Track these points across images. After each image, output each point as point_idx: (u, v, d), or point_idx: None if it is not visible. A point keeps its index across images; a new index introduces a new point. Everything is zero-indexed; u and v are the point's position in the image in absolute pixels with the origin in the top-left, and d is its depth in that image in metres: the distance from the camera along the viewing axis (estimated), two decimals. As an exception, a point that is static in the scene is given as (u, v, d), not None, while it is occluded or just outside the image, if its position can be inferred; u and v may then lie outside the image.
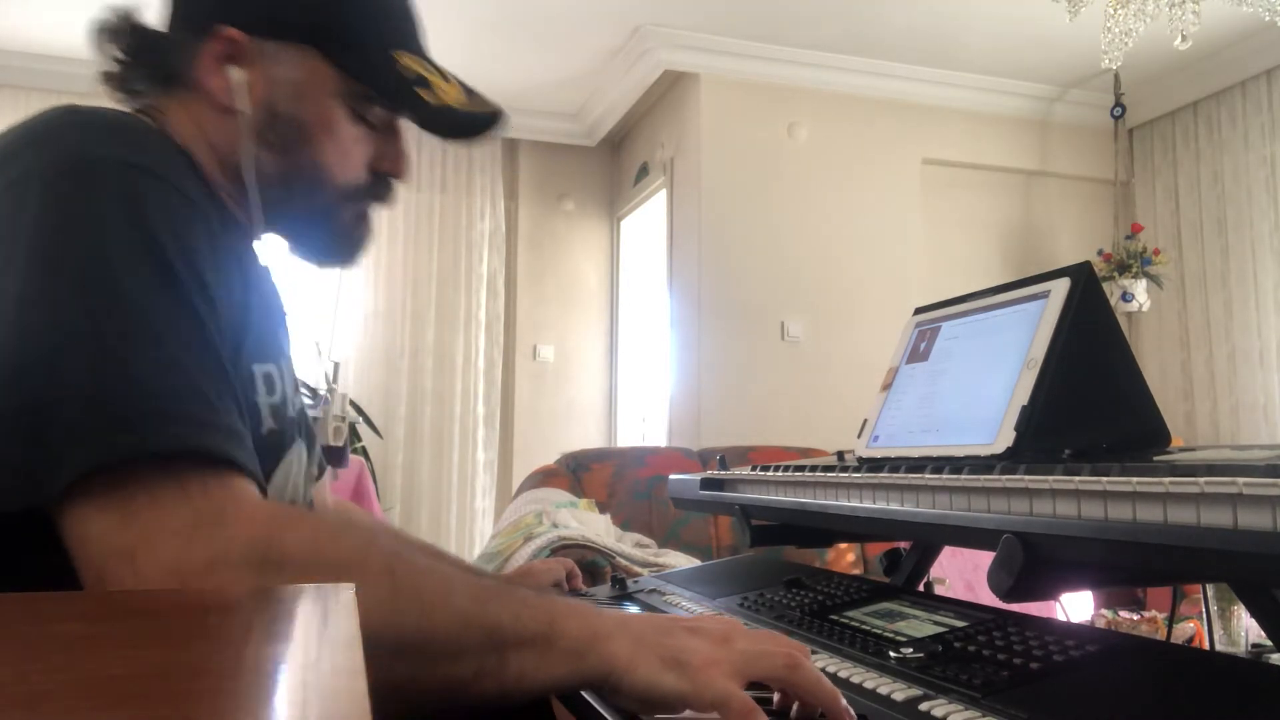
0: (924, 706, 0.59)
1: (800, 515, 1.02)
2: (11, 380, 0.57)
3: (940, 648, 0.70)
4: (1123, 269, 4.26)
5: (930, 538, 1.03)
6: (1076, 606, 2.40)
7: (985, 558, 0.67)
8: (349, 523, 0.81)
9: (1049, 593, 0.66)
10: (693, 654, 0.59)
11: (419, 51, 0.85)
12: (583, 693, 0.74)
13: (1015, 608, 0.73)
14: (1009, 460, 0.77)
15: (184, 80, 0.79)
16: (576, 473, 3.00)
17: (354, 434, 4.20)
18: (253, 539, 0.57)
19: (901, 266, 4.21)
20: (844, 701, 0.59)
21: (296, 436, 0.80)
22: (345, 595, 0.50)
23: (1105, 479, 0.60)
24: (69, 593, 0.55)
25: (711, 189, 4.01)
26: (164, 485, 0.57)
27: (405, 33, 0.85)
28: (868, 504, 0.85)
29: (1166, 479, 0.56)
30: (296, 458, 0.80)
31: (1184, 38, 2.82)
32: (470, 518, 4.69)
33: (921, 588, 1.12)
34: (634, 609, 1.08)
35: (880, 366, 1.10)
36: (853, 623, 0.83)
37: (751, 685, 0.60)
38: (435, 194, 4.79)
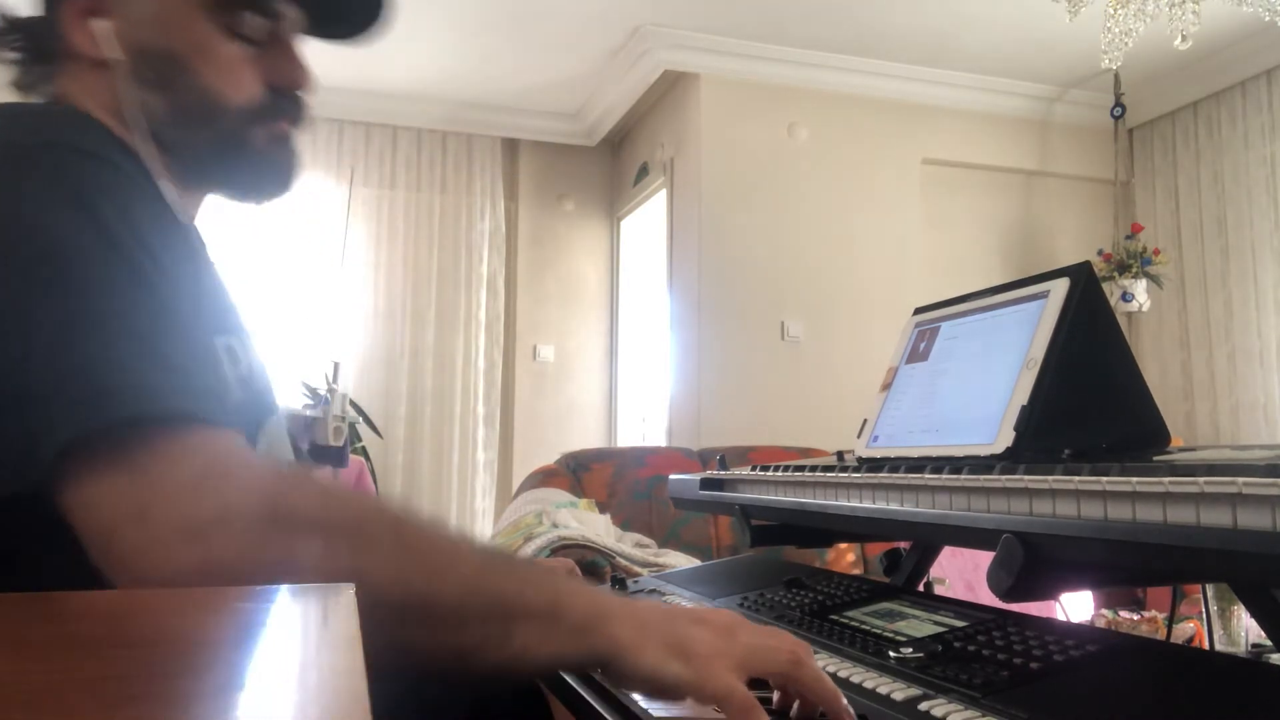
0: (924, 706, 0.59)
1: (800, 515, 1.02)
2: None
3: (940, 648, 0.70)
4: (1123, 269, 4.26)
5: (930, 538, 1.03)
6: (1076, 606, 2.39)
7: (985, 558, 0.67)
8: (354, 489, 0.80)
9: (1049, 593, 0.67)
10: (698, 644, 0.59)
11: None
12: (582, 692, 0.75)
13: (1015, 608, 0.74)
14: (1009, 460, 0.77)
15: (62, 52, 0.78)
16: (576, 473, 3.00)
17: (354, 434, 4.20)
18: (263, 494, 0.57)
19: (901, 266, 4.21)
20: (844, 700, 0.59)
21: (270, 414, 0.80)
22: (345, 595, 0.50)
23: (1105, 479, 0.60)
24: (69, 593, 0.55)
25: (711, 189, 4.01)
26: (168, 446, 0.57)
27: None
28: (868, 504, 0.85)
29: (1166, 479, 0.56)
30: (276, 429, 0.80)
31: (1184, 38, 2.82)
32: (470, 518, 4.69)
33: (921, 588, 1.12)
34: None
35: (880, 366, 1.10)
36: (853, 623, 0.83)
37: (753, 683, 0.60)
38: (435, 194, 4.79)
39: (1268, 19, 2.98)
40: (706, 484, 1.23)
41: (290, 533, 0.56)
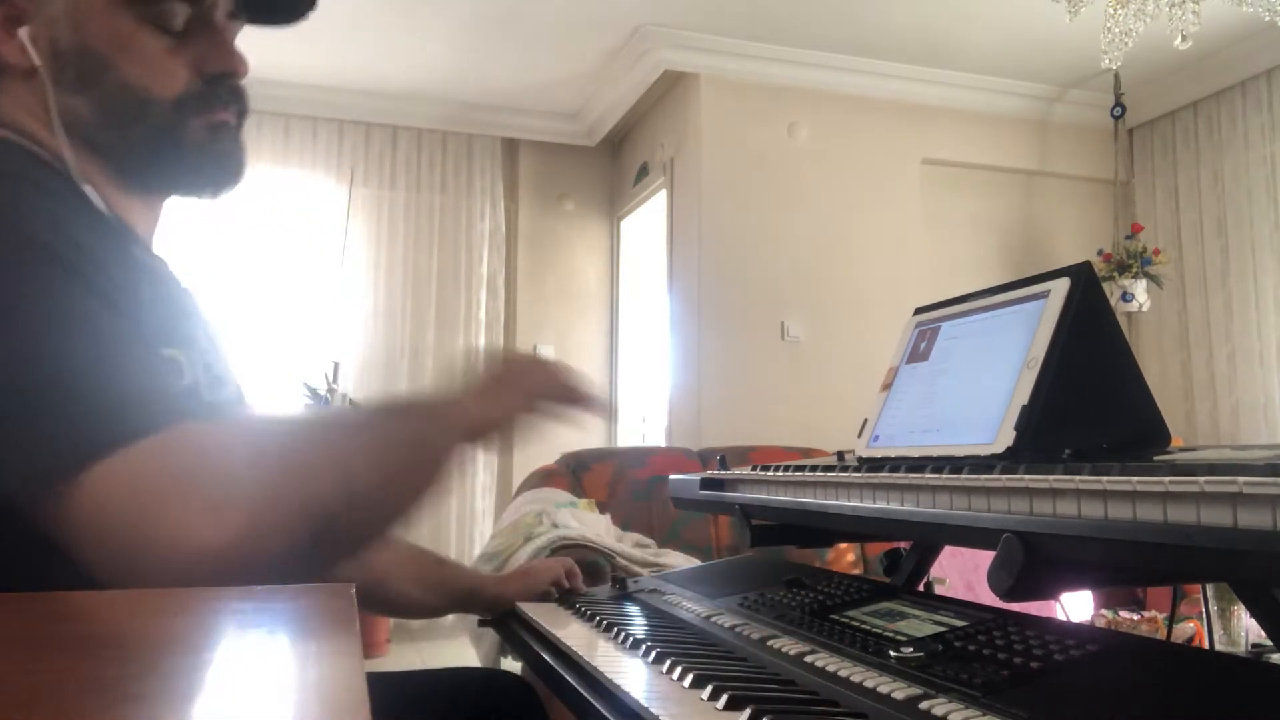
0: (924, 706, 0.59)
1: (800, 515, 1.02)
2: None
3: (940, 647, 0.70)
4: (1123, 269, 4.26)
5: (930, 537, 1.03)
6: (1076, 606, 2.39)
7: (985, 558, 0.67)
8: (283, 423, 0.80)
9: (1049, 592, 0.66)
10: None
11: None
12: (582, 690, 0.75)
13: (1015, 607, 0.73)
14: (1009, 460, 0.77)
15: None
16: (576, 473, 3.00)
17: (354, 434, 4.19)
18: (248, 460, 0.63)
19: (901, 266, 4.21)
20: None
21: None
22: (345, 595, 0.50)
23: (1105, 478, 0.60)
24: (69, 593, 0.55)
25: (711, 189, 4.01)
26: (150, 451, 0.60)
27: None
28: (868, 504, 0.85)
29: (1166, 478, 0.56)
30: None
31: (1184, 38, 2.82)
32: (470, 518, 4.69)
33: (921, 588, 1.12)
34: (634, 609, 1.08)
35: (880, 366, 1.10)
36: (853, 622, 0.83)
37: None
38: (435, 194, 4.79)
39: (1268, 19, 2.98)
40: (707, 484, 1.23)
41: (286, 477, 0.64)
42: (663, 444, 4.20)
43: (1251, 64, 4.05)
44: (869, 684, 0.65)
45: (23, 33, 0.75)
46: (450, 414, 0.77)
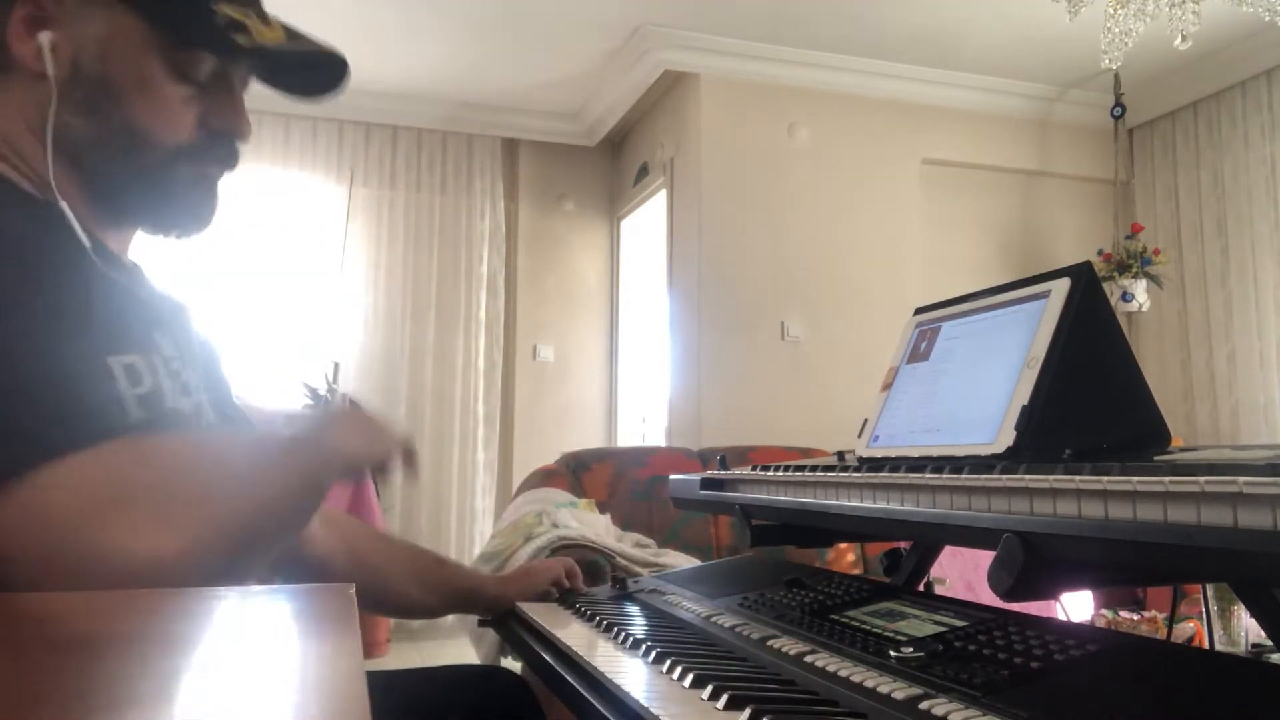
0: (924, 706, 0.59)
1: (800, 515, 1.02)
2: None
3: (940, 647, 0.70)
4: (1123, 269, 4.26)
5: (930, 537, 1.03)
6: (1076, 606, 2.39)
7: (985, 557, 0.67)
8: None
9: (1049, 592, 0.66)
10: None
11: (245, 1, 0.82)
12: (581, 690, 0.75)
13: (1015, 607, 0.73)
14: (1009, 460, 0.77)
15: (3, 58, 0.76)
16: (576, 473, 3.00)
17: (354, 434, 4.19)
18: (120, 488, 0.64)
19: (901, 266, 4.21)
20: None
21: (195, 427, 0.78)
22: (345, 595, 0.50)
23: (1106, 478, 0.60)
24: (69, 593, 0.55)
25: (711, 189, 4.01)
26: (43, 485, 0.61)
27: None
28: (868, 504, 0.85)
29: (1167, 478, 0.56)
30: None
31: (1184, 38, 2.82)
32: (470, 518, 4.69)
33: (921, 588, 1.12)
34: (634, 609, 1.08)
35: (880, 366, 1.10)
36: (853, 622, 0.83)
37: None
38: (435, 194, 4.79)
39: (1268, 19, 2.98)
40: (707, 484, 1.23)
41: (216, 494, 0.68)
42: (663, 444, 4.20)
43: (1251, 64, 4.05)
44: (869, 684, 0.65)
45: (43, 37, 0.75)
46: (325, 448, 0.80)
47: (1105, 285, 4.22)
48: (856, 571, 2.87)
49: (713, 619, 0.94)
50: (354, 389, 4.45)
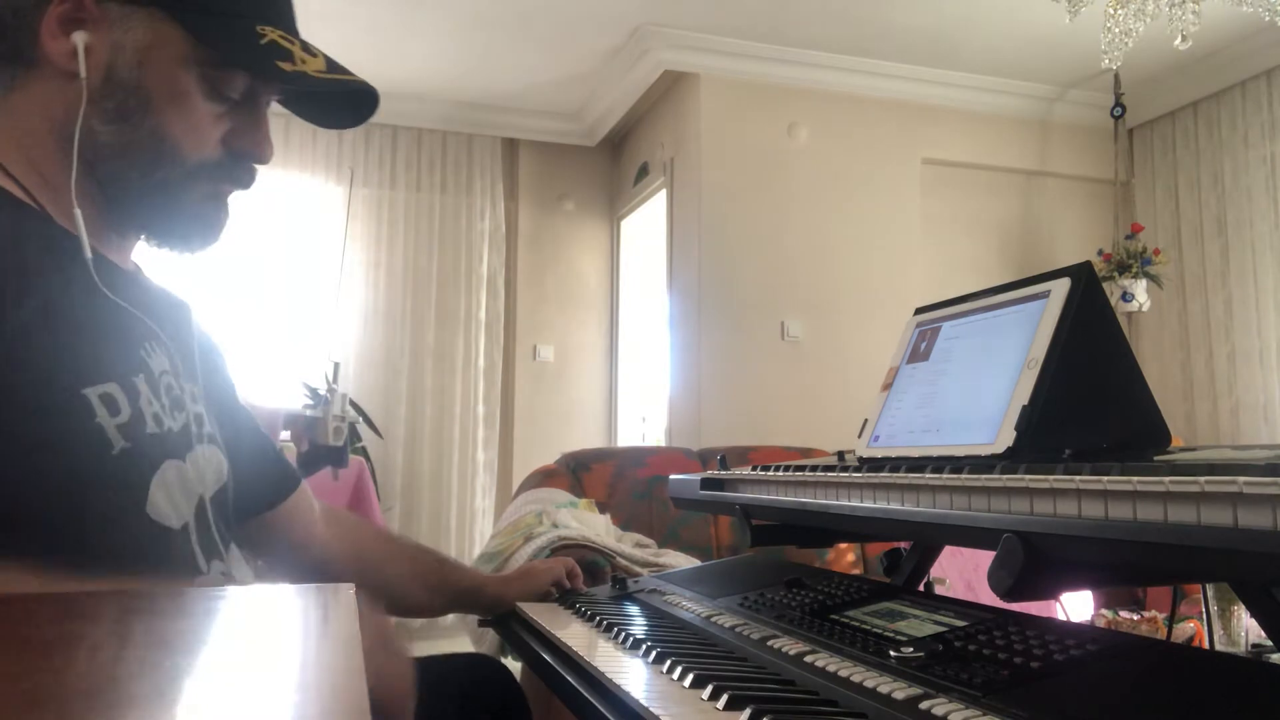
0: (924, 705, 0.59)
1: (801, 515, 1.02)
2: None
3: (940, 647, 0.70)
4: (1123, 269, 4.26)
5: (930, 537, 1.03)
6: (1076, 606, 2.39)
7: (985, 557, 0.67)
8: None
9: (1049, 592, 0.66)
10: None
11: (288, 28, 0.82)
12: (581, 689, 0.75)
13: (1015, 607, 0.74)
14: (1009, 460, 0.77)
15: (32, 52, 0.75)
16: (576, 473, 2.99)
17: (354, 434, 4.20)
18: None
19: (901, 266, 4.21)
20: None
21: (168, 455, 0.76)
22: (345, 595, 0.50)
23: (1106, 478, 0.60)
24: (69, 593, 0.55)
25: (711, 189, 4.01)
26: None
27: (273, 6, 0.81)
28: (868, 504, 0.85)
29: (1167, 478, 0.56)
30: (176, 474, 0.76)
31: (1184, 38, 2.82)
32: (470, 518, 4.69)
33: (921, 588, 1.12)
34: (634, 609, 1.08)
35: (880, 366, 1.10)
36: (853, 622, 0.83)
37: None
38: (435, 194, 4.79)
39: (1268, 19, 2.98)
40: (707, 484, 1.23)
41: None
42: (663, 444, 4.20)
43: (1251, 64, 4.05)
44: (869, 684, 0.65)
45: (78, 37, 0.74)
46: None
47: (1105, 285, 4.22)
48: (856, 571, 2.87)
49: (713, 619, 0.94)
50: (354, 389, 4.45)
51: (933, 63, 4.23)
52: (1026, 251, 4.56)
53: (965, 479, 0.73)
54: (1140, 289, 4.26)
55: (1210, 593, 1.61)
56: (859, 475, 0.88)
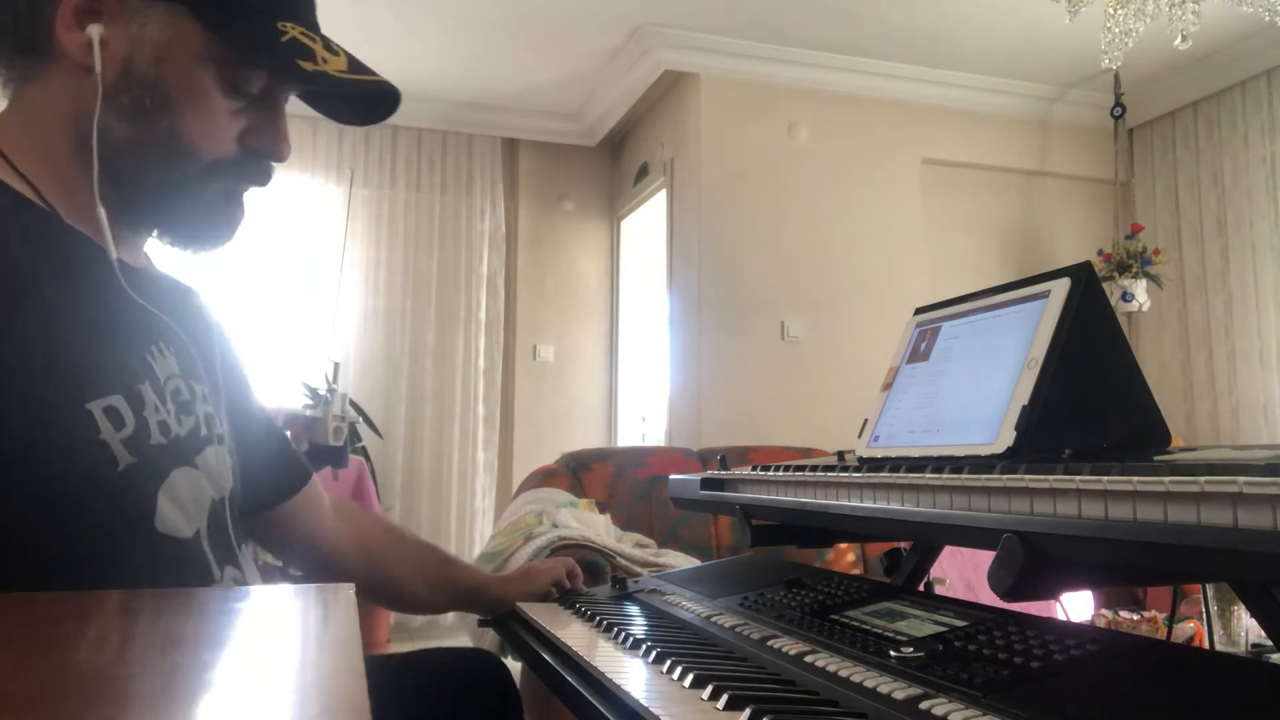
0: (924, 705, 0.59)
1: (801, 515, 1.02)
2: None
3: (940, 647, 0.70)
4: (1123, 269, 4.26)
5: (930, 537, 1.03)
6: (1076, 606, 2.39)
7: (985, 557, 0.67)
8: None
9: (1049, 592, 0.66)
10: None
11: (309, 25, 0.81)
12: (581, 689, 0.75)
13: (1015, 607, 0.73)
14: (1009, 460, 0.77)
15: (46, 45, 0.74)
16: (576, 473, 3.00)
17: (354, 434, 4.20)
18: None
19: (901, 266, 4.21)
20: None
21: (176, 464, 0.75)
22: (345, 595, 0.50)
23: (1106, 478, 0.60)
24: (69, 593, 0.55)
25: (711, 189, 4.01)
26: None
27: (295, 3, 0.80)
28: (868, 504, 0.85)
29: (1167, 478, 0.56)
30: (185, 482, 0.76)
31: (1184, 38, 2.82)
32: (470, 518, 4.69)
33: (921, 588, 1.12)
34: (634, 609, 1.08)
35: (880, 366, 1.10)
36: (853, 622, 0.83)
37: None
38: (435, 194, 4.79)
39: (1268, 19, 2.98)
40: (707, 484, 1.23)
41: None
42: (663, 444, 4.20)
43: (1251, 64, 4.05)
44: (869, 684, 0.65)
45: (93, 30, 0.72)
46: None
47: (1105, 285, 4.22)
48: (856, 571, 2.87)
49: (713, 619, 0.94)
50: (354, 389, 4.45)
51: (933, 63, 4.23)
52: (1026, 251, 4.56)
53: (965, 479, 0.73)
54: (1140, 289, 4.26)
55: (1210, 593, 1.61)
56: (859, 475, 0.88)
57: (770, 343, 4.01)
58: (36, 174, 0.74)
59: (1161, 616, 2.24)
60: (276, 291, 4.46)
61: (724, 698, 0.63)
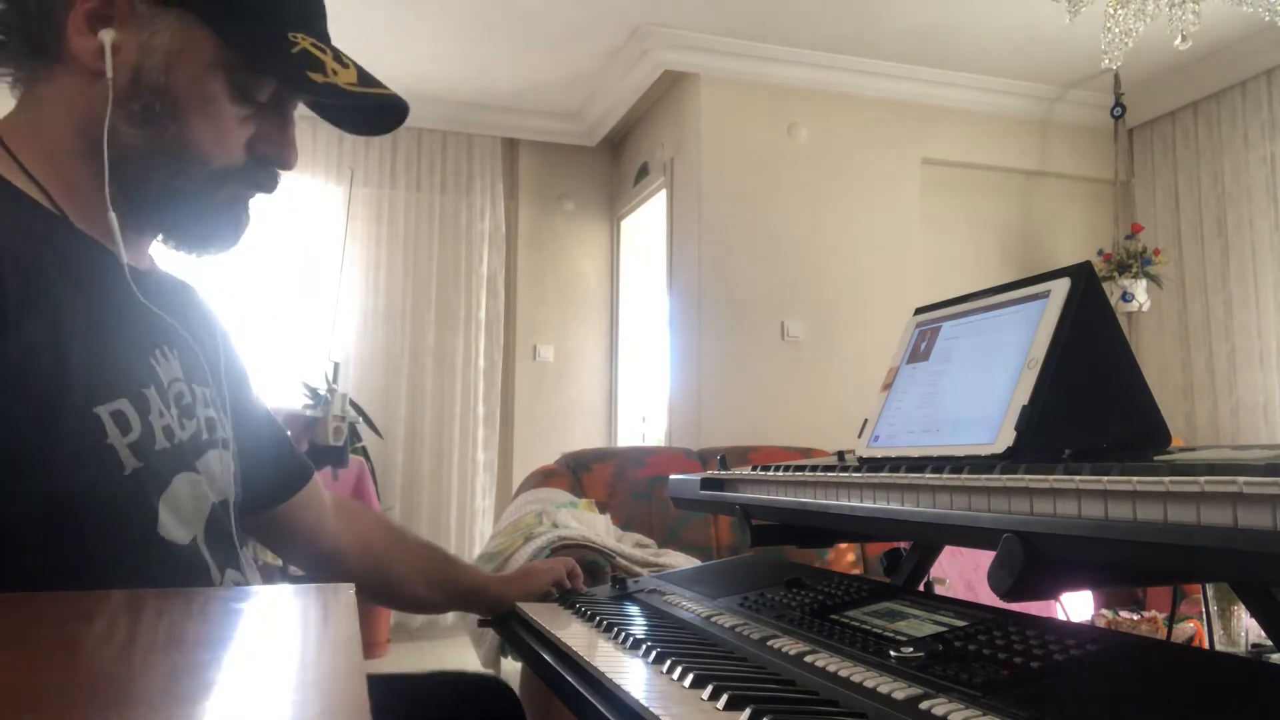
0: (924, 706, 0.59)
1: (800, 515, 1.02)
2: None
3: (940, 647, 0.70)
4: (1123, 269, 4.26)
5: (930, 537, 1.03)
6: (1076, 606, 2.39)
7: (985, 557, 0.67)
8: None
9: (1049, 592, 0.66)
10: None
11: (320, 36, 0.81)
12: (582, 690, 0.75)
13: (1015, 607, 0.73)
14: (1009, 460, 0.77)
15: (57, 48, 0.74)
16: (576, 473, 3.00)
17: (354, 434, 4.20)
18: None
19: (901, 266, 4.21)
20: None
21: (179, 468, 0.75)
22: (345, 595, 0.50)
23: (1105, 478, 0.60)
24: (69, 593, 0.55)
25: (711, 189, 4.01)
26: None
27: (306, 14, 0.81)
28: (868, 504, 0.85)
29: (1166, 478, 0.56)
30: (188, 486, 0.76)
31: (1184, 38, 2.82)
32: (470, 518, 4.69)
33: (921, 588, 1.12)
34: (634, 609, 1.08)
35: (880, 366, 1.10)
36: (853, 622, 0.83)
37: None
38: (435, 194, 4.79)
39: (1268, 19, 2.98)
40: (707, 484, 1.23)
41: None
42: (663, 444, 4.20)
43: (1251, 64, 4.05)
44: (869, 684, 0.65)
45: (105, 35, 0.72)
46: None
47: (1105, 285, 4.22)
48: (856, 571, 2.87)
49: (713, 619, 0.94)
50: (354, 389, 4.45)
51: (933, 63, 4.23)
52: (1026, 251, 4.56)
53: (965, 479, 0.73)
54: (1140, 289, 4.26)
55: (1210, 593, 1.61)
56: (859, 475, 0.88)
57: (770, 343, 4.01)
58: (44, 176, 0.74)
59: (1161, 616, 2.24)
60: (277, 291, 4.46)
61: (724, 698, 0.63)
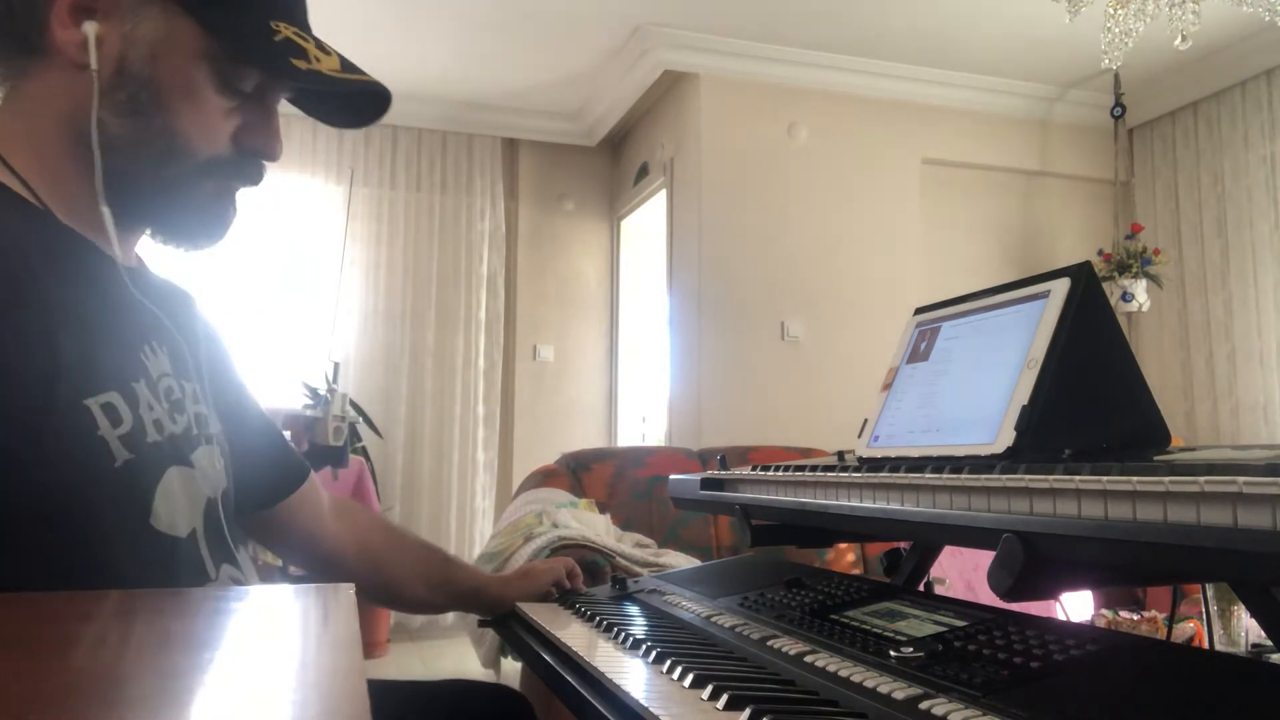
0: (924, 705, 0.59)
1: (800, 515, 1.02)
2: None
3: (940, 647, 0.70)
4: (1123, 269, 4.26)
5: (930, 537, 1.03)
6: (1076, 606, 2.40)
7: (985, 557, 0.67)
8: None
9: (1049, 592, 0.66)
10: None
11: (301, 25, 0.81)
12: (583, 691, 0.75)
13: (1015, 607, 0.74)
14: (1009, 460, 0.77)
15: (41, 41, 0.73)
16: (576, 473, 3.00)
17: (354, 434, 4.20)
18: None
19: (901, 266, 4.21)
20: None
21: (171, 462, 0.75)
22: (345, 595, 0.50)
23: (1105, 478, 0.60)
24: (69, 593, 0.55)
25: (711, 189, 4.01)
26: None
27: (287, 2, 0.81)
28: (868, 504, 0.85)
29: (1166, 478, 0.56)
30: (180, 480, 0.76)
31: (1184, 38, 2.82)
32: (470, 518, 4.69)
33: (921, 588, 1.12)
34: (634, 609, 1.08)
35: (880, 366, 1.10)
36: (853, 622, 0.83)
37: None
38: (435, 194, 4.79)
39: (1268, 19, 2.98)
40: (707, 484, 1.23)
41: None
42: (663, 444, 4.20)
43: (1251, 64, 4.05)
44: (869, 684, 0.65)
45: (88, 27, 0.72)
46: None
47: (1105, 285, 4.22)
48: (856, 571, 2.87)
49: (713, 619, 0.94)
50: (354, 389, 4.45)
51: (933, 63, 4.23)
52: (1026, 252, 4.56)
53: (965, 479, 0.73)
54: (1140, 289, 4.26)
55: (1210, 593, 1.61)
56: (859, 475, 0.88)
57: (770, 343, 4.01)
58: (30, 171, 0.74)
59: (1161, 616, 2.24)
60: (277, 291, 4.45)
61: (724, 698, 0.63)
